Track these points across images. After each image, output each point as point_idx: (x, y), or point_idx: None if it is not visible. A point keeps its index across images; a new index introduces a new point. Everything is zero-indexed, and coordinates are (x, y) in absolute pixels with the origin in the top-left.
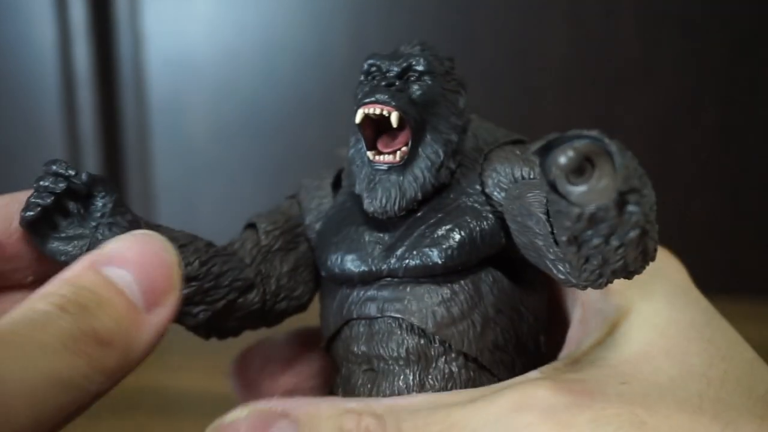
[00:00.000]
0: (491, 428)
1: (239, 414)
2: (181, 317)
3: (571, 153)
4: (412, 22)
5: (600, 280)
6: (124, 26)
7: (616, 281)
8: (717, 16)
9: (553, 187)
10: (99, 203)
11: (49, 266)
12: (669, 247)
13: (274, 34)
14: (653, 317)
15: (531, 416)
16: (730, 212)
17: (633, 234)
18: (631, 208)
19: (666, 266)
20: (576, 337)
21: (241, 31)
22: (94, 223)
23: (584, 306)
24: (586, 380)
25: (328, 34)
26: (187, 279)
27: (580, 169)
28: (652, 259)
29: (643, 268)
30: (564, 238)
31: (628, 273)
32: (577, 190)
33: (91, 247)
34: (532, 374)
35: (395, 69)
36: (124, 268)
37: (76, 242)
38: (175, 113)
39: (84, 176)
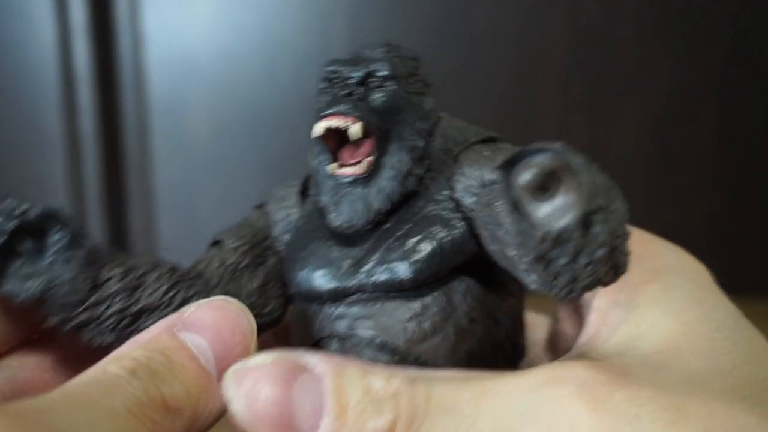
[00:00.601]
0: (525, 397)
1: (265, 360)
2: None
3: (534, 170)
4: (412, 23)
5: (572, 295)
6: (124, 26)
7: (637, 276)
8: (716, 16)
9: (515, 207)
10: (54, 237)
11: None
12: None
13: (274, 34)
14: (681, 314)
15: (566, 388)
16: (730, 212)
17: (600, 252)
18: (596, 228)
19: (692, 267)
20: (595, 324)
21: (241, 31)
22: (50, 259)
23: (603, 294)
24: (620, 365)
25: (328, 34)
26: (151, 309)
27: (544, 185)
28: (624, 272)
29: (616, 279)
30: (531, 257)
31: (601, 285)
32: (542, 209)
33: (49, 284)
34: (558, 361)
35: (356, 75)
36: (200, 335)
37: (33, 281)
38: (175, 113)
39: (35, 212)
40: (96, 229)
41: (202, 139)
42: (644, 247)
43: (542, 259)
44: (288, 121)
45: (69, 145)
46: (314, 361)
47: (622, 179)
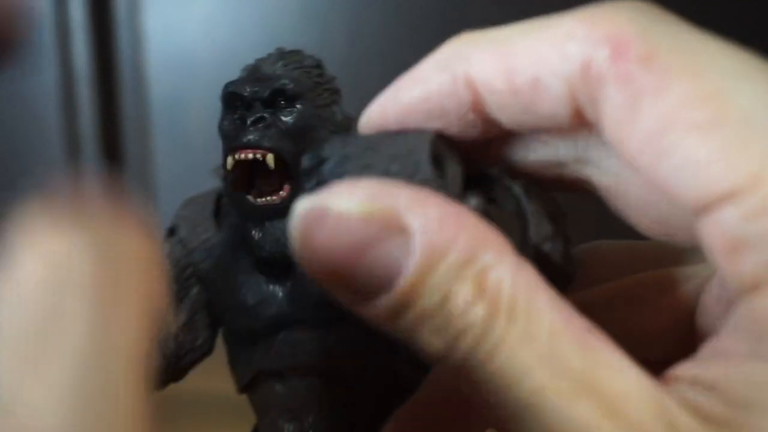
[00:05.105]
0: None
1: (349, 205)
2: None
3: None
4: (411, 22)
5: None
6: (124, 25)
7: None
8: (717, 16)
9: None
10: None
11: None
12: None
13: (274, 34)
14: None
15: None
16: None
17: None
18: None
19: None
20: (734, 352)
21: (241, 31)
22: None
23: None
24: None
25: (327, 34)
26: None
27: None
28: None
29: None
30: None
31: None
32: None
33: None
34: None
35: (260, 97)
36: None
37: None
38: (175, 112)
39: None
40: None
41: (202, 139)
42: None
43: None
44: None
45: (69, 144)
46: (415, 223)
47: None
